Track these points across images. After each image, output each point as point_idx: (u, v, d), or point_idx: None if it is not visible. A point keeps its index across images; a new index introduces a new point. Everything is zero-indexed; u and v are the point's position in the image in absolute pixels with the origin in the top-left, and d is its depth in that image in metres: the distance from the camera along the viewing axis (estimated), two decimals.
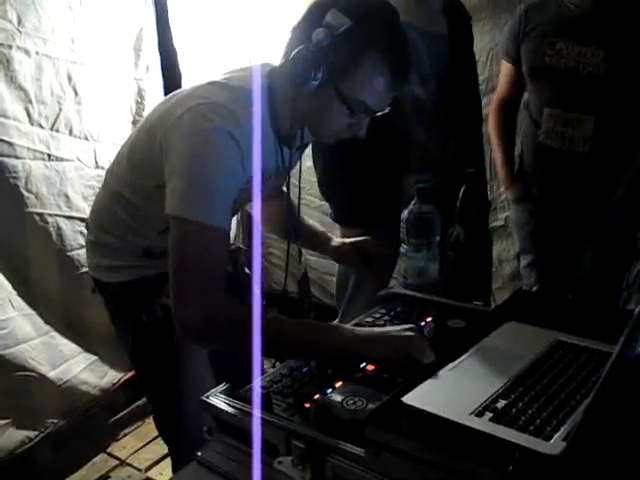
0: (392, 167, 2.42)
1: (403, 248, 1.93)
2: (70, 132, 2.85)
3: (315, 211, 3.82)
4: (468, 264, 1.90)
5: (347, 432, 1.18)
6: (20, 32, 2.58)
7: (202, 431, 1.37)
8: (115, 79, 3.03)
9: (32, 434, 2.86)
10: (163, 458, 3.02)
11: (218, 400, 1.34)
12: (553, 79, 2.52)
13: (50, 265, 2.88)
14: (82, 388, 3.04)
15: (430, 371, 1.30)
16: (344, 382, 1.37)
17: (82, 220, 2.89)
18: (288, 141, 1.65)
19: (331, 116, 1.55)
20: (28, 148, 2.69)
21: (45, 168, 2.77)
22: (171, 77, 3.14)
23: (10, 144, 2.62)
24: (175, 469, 1.96)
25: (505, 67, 2.73)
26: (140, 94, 3.11)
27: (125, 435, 3.30)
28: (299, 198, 1.85)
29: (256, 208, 1.76)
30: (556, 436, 1.06)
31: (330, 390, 1.34)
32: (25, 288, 2.77)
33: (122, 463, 3.12)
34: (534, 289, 2.75)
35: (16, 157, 2.65)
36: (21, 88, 2.64)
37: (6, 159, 2.62)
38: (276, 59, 1.63)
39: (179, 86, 2.97)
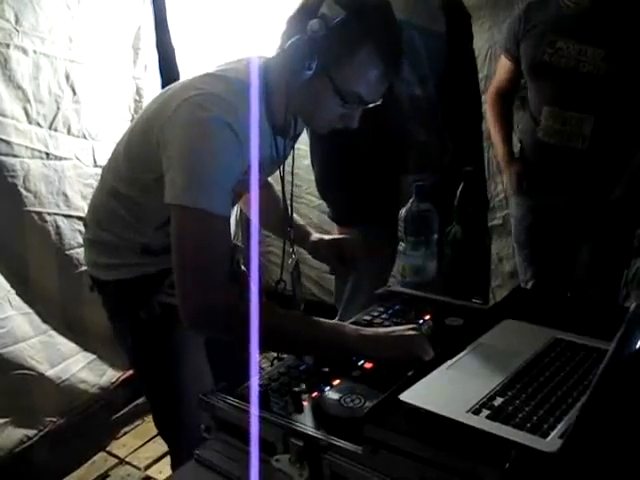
0: (390, 166, 2.42)
1: (401, 246, 1.93)
2: (68, 131, 2.85)
3: (314, 210, 3.83)
4: (466, 262, 1.90)
5: (345, 430, 1.18)
6: (18, 31, 2.58)
7: (200, 429, 1.37)
8: (113, 78, 3.03)
9: (31, 433, 2.86)
10: (162, 457, 3.02)
11: (216, 398, 1.34)
12: (552, 77, 2.53)
13: (49, 264, 2.88)
14: (81, 387, 3.04)
15: (427, 369, 1.30)
16: (342, 380, 1.37)
17: (81, 219, 2.88)
18: (282, 131, 1.66)
19: (324, 106, 1.56)
20: (26, 147, 2.70)
21: (43, 167, 2.77)
22: (169, 76, 3.13)
23: (8, 143, 2.62)
24: (174, 467, 1.96)
25: (503, 63, 2.73)
26: (138, 93, 3.11)
27: (124, 434, 3.29)
28: (290, 187, 1.84)
29: (254, 200, 1.76)
30: (553, 433, 1.06)
31: (328, 388, 1.34)
32: (24, 287, 2.77)
33: (121, 462, 3.12)
34: (530, 284, 2.75)
35: (14, 156, 2.65)
36: (19, 87, 2.64)
37: (4, 158, 2.62)
38: (272, 53, 1.64)
39: None
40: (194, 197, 1.45)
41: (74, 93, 2.85)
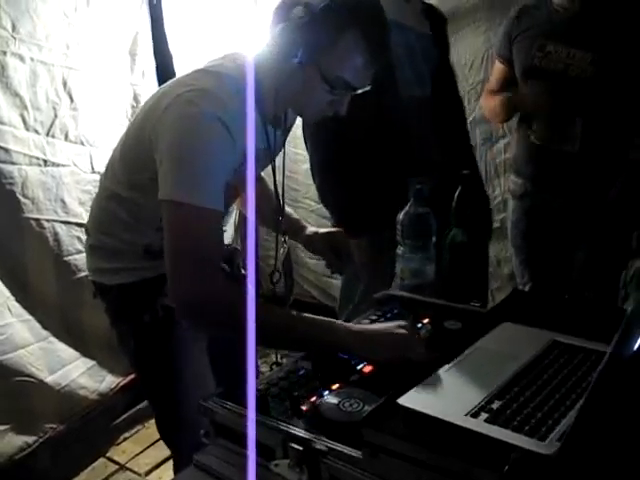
0: (395, 169, 2.41)
1: (400, 250, 1.93)
2: (66, 137, 2.85)
3: (313, 214, 3.83)
4: (464, 265, 1.91)
5: (344, 434, 1.18)
6: (15, 38, 2.58)
7: (200, 435, 1.37)
8: (111, 84, 3.03)
9: (31, 439, 2.85)
10: (163, 462, 3.02)
11: (215, 404, 1.34)
12: (543, 81, 2.53)
13: (47, 270, 2.88)
14: (81, 393, 3.03)
15: (426, 372, 1.30)
16: (340, 384, 1.37)
17: (79, 225, 2.89)
18: (273, 121, 1.67)
19: (312, 93, 1.57)
20: (24, 154, 2.70)
21: (41, 174, 2.77)
22: (167, 81, 3.13)
23: (6, 150, 2.62)
24: (177, 472, 1.96)
25: (498, 67, 2.74)
26: (136, 99, 3.11)
27: (125, 439, 3.29)
28: (282, 182, 1.85)
29: (250, 195, 1.76)
30: (551, 436, 1.06)
31: (326, 392, 1.34)
32: (23, 293, 2.77)
33: (122, 468, 3.12)
34: (527, 287, 2.75)
35: (12, 163, 2.65)
36: (16, 94, 2.64)
37: (2, 165, 2.62)
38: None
39: None
40: (185, 192, 1.46)
41: (71, 100, 2.85)
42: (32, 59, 2.66)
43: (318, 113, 1.65)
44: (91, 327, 2.99)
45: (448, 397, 1.22)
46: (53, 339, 2.90)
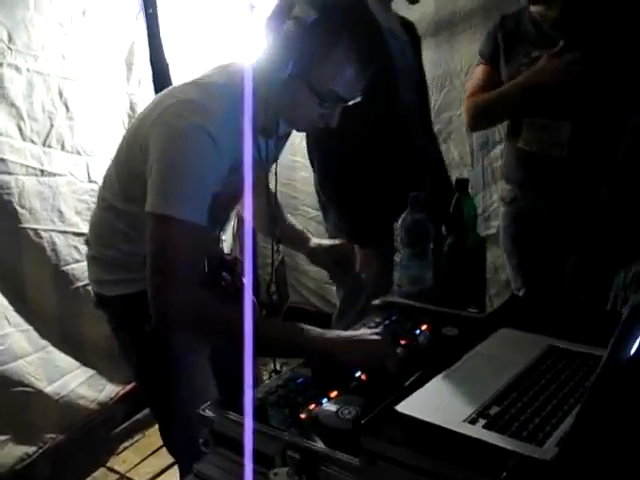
0: (398, 178, 2.42)
1: (397, 256, 1.93)
2: (62, 147, 2.86)
3: (311, 221, 3.83)
4: (462, 271, 1.91)
5: (342, 442, 1.18)
6: (11, 49, 2.59)
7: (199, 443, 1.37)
8: (107, 94, 3.04)
9: (31, 450, 2.85)
10: (163, 472, 3.01)
11: (214, 412, 1.35)
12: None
13: (45, 280, 2.88)
14: (80, 402, 3.03)
15: (424, 379, 1.30)
16: (339, 392, 1.37)
17: (76, 234, 2.90)
18: (265, 131, 1.67)
19: (303, 106, 1.58)
20: (21, 164, 2.70)
21: (38, 184, 2.78)
22: (163, 90, 3.14)
23: (3, 160, 2.63)
24: None
25: (482, 69, 2.69)
26: (132, 108, 3.12)
27: (125, 449, 3.29)
28: (275, 191, 1.85)
29: (247, 202, 1.76)
30: (549, 441, 1.06)
31: (325, 400, 1.34)
32: (21, 303, 2.77)
33: (122, 477, 3.11)
34: (521, 292, 2.75)
35: (9, 173, 2.66)
36: (13, 105, 2.64)
37: None
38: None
39: None
40: (167, 205, 1.48)
41: (67, 110, 2.85)
42: (28, 70, 2.67)
43: (309, 124, 1.66)
44: (90, 336, 3.00)
45: (446, 403, 1.22)
46: (52, 349, 2.90)
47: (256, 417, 1.30)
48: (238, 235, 3.79)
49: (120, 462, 3.21)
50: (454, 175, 3.10)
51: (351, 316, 2.39)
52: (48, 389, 2.88)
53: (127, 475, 3.11)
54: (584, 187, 2.48)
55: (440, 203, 2.02)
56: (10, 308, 2.72)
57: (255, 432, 1.26)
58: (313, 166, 2.48)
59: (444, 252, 1.92)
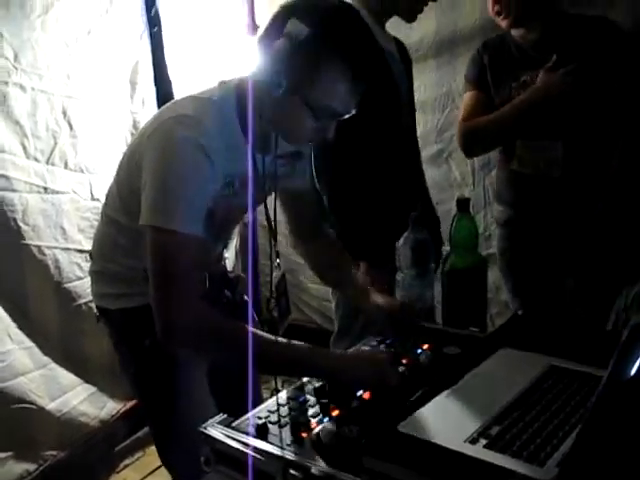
0: (404, 198, 2.43)
1: (399, 276, 1.94)
2: (65, 165, 2.87)
3: None
4: (463, 291, 1.91)
5: (344, 461, 1.18)
6: (16, 68, 2.61)
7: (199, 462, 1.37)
8: (110, 112, 3.06)
9: (32, 467, 2.84)
10: None
11: (215, 431, 1.35)
12: None
13: (48, 297, 2.88)
14: (81, 420, 3.03)
15: (425, 398, 1.31)
16: (340, 411, 1.38)
17: (79, 252, 2.92)
18: (262, 148, 1.66)
19: (298, 122, 1.55)
20: (25, 182, 2.71)
21: (41, 201, 2.79)
22: None
23: (7, 178, 2.64)
24: None
25: (471, 94, 2.66)
26: (135, 126, 3.13)
27: (125, 467, 3.27)
28: (274, 207, 1.84)
29: (250, 217, 1.77)
30: (550, 462, 1.07)
31: (327, 419, 1.35)
32: (24, 320, 2.77)
33: None
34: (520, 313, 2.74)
35: (13, 190, 2.67)
36: (17, 123, 2.66)
37: (3, 193, 2.64)
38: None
39: None
40: (161, 217, 1.48)
41: (71, 128, 2.87)
42: (33, 88, 2.69)
43: (304, 139, 1.65)
44: (91, 353, 3.00)
45: (447, 423, 1.23)
46: (54, 366, 2.90)
47: (257, 435, 1.31)
48: (240, 253, 3.80)
49: None
50: (456, 194, 3.12)
51: (351, 335, 2.39)
52: (49, 406, 2.87)
53: None
54: (579, 206, 2.48)
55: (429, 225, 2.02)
56: (13, 325, 2.72)
57: (256, 451, 1.27)
58: (320, 186, 2.49)
59: (445, 271, 1.93)
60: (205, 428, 1.36)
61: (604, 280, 2.58)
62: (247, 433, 1.32)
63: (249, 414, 1.41)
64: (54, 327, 2.91)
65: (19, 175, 2.69)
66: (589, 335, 1.67)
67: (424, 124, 3.35)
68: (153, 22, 3.18)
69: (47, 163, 2.80)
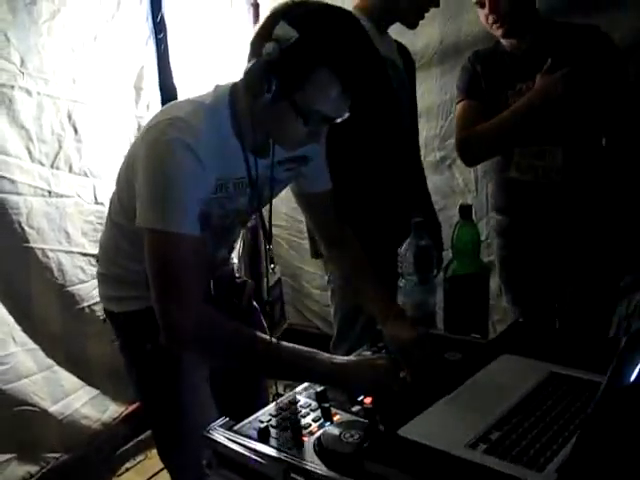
0: (405, 204, 2.44)
1: (401, 282, 1.94)
2: (70, 169, 2.89)
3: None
4: (465, 297, 1.92)
5: (345, 465, 1.19)
6: (23, 73, 2.63)
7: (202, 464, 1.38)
8: (115, 117, 3.08)
9: (34, 469, 2.85)
10: None
11: (217, 434, 1.36)
12: None
13: (52, 300, 2.89)
14: (83, 422, 3.04)
15: (426, 403, 1.32)
16: (342, 415, 1.39)
17: (82, 255, 2.93)
18: (257, 151, 1.66)
19: (288, 126, 1.54)
20: (29, 185, 2.73)
21: (46, 204, 2.80)
22: None
23: (12, 181, 2.66)
24: None
25: (467, 104, 2.63)
26: (140, 131, 3.14)
27: (127, 470, 3.27)
28: (270, 210, 1.85)
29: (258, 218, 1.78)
30: (549, 467, 1.08)
31: (328, 423, 1.36)
32: (27, 322, 2.78)
33: None
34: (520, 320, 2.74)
35: (18, 194, 2.69)
36: (22, 127, 2.68)
37: (8, 196, 2.65)
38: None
39: None
40: (154, 218, 1.49)
41: (76, 132, 2.89)
42: (39, 93, 2.71)
43: (296, 143, 1.63)
44: (94, 356, 3.01)
45: (448, 428, 1.24)
46: (57, 368, 2.91)
47: (259, 439, 1.32)
48: (243, 258, 3.81)
49: None
50: (459, 201, 3.12)
51: (351, 338, 2.40)
52: (52, 409, 2.88)
53: None
54: (580, 211, 2.48)
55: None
56: (16, 327, 2.74)
57: (258, 454, 1.27)
58: None
59: (447, 278, 1.93)
60: (207, 431, 1.37)
61: (605, 287, 2.58)
62: (249, 436, 1.33)
63: (251, 418, 1.41)
64: (57, 330, 2.92)
65: (24, 178, 2.71)
66: (589, 342, 1.68)
67: (427, 131, 3.37)
68: (159, 28, 3.20)
69: (52, 167, 2.82)
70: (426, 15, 2.47)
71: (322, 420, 1.37)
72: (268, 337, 1.53)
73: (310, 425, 1.36)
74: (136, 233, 1.64)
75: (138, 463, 3.30)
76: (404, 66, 2.56)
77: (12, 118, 2.64)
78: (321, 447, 1.26)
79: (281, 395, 1.53)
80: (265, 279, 1.90)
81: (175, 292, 1.47)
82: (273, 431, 1.34)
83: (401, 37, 2.62)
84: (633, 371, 1.04)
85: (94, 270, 2.89)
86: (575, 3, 2.81)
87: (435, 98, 3.37)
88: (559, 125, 2.41)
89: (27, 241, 2.74)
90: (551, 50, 2.41)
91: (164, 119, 1.54)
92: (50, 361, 2.88)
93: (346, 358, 1.56)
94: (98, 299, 2.00)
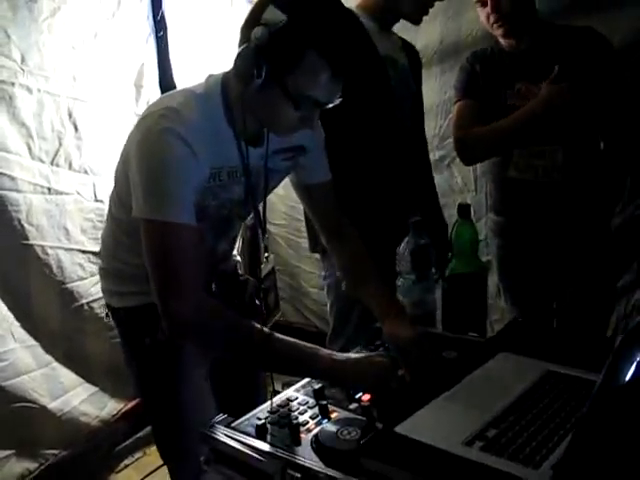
0: (403, 204, 2.44)
1: (400, 281, 1.95)
2: (70, 166, 2.90)
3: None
4: (463, 296, 1.92)
5: (342, 462, 1.20)
6: (23, 70, 2.64)
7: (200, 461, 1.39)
8: (115, 114, 3.09)
9: (32, 466, 2.86)
10: None
11: (215, 431, 1.36)
12: None
13: (51, 296, 2.91)
14: (82, 419, 3.05)
15: (423, 401, 1.32)
16: (339, 412, 1.39)
17: (81, 252, 2.94)
18: (251, 140, 1.66)
19: (280, 112, 1.54)
20: (29, 182, 2.74)
21: (45, 202, 2.82)
22: None
23: (12, 178, 2.67)
24: None
25: (465, 104, 2.64)
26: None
27: (125, 467, 3.28)
28: (264, 202, 1.86)
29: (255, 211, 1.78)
30: (545, 464, 1.08)
31: (326, 420, 1.36)
32: (26, 319, 2.79)
33: None
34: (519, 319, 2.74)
35: (18, 191, 2.70)
36: (23, 124, 2.69)
37: (8, 192, 2.66)
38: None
39: None
40: (152, 208, 1.49)
41: (76, 130, 2.90)
42: (39, 90, 2.72)
43: (289, 129, 1.63)
44: (93, 353, 3.02)
45: (444, 425, 1.24)
46: (56, 365, 2.92)
47: (257, 436, 1.32)
48: (242, 255, 3.81)
49: None
50: (458, 200, 3.13)
51: (346, 334, 2.41)
52: (51, 405, 2.89)
53: None
54: (578, 210, 2.48)
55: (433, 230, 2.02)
56: (16, 324, 2.75)
57: (256, 451, 1.28)
58: None
59: (445, 277, 1.94)
60: (205, 428, 1.37)
61: (603, 287, 2.58)
62: (247, 433, 1.33)
63: (249, 415, 1.42)
64: (56, 326, 2.93)
65: (24, 175, 2.72)
66: (587, 341, 1.68)
67: (426, 130, 3.36)
68: (159, 26, 3.21)
69: (52, 164, 2.83)
70: (428, 14, 2.48)
71: (320, 417, 1.38)
72: (267, 330, 1.53)
73: (308, 422, 1.36)
74: (134, 226, 1.65)
75: (137, 460, 3.31)
76: (409, 65, 2.55)
77: (12, 115, 2.64)
78: (318, 444, 1.26)
79: (279, 392, 1.53)
80: (258, 269, 1.89)
81: (174, 279, 1.47)
82: (271, 428, 1.34)
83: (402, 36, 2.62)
84: (628, 370, 1.05)
85: (93, 267, 2.90)
86: (575, 3, 2.82)
87: (434, 97, 3.37)
88: (559, 126, 2.41)
89: (27, 238, 2.75)
90: (550, 51, 2.42)
91: (156, 110, 1.54)
92: (49, 358, 2.89)
93: (346, 355, 1.56)
94: (97, 296, 2.01)
